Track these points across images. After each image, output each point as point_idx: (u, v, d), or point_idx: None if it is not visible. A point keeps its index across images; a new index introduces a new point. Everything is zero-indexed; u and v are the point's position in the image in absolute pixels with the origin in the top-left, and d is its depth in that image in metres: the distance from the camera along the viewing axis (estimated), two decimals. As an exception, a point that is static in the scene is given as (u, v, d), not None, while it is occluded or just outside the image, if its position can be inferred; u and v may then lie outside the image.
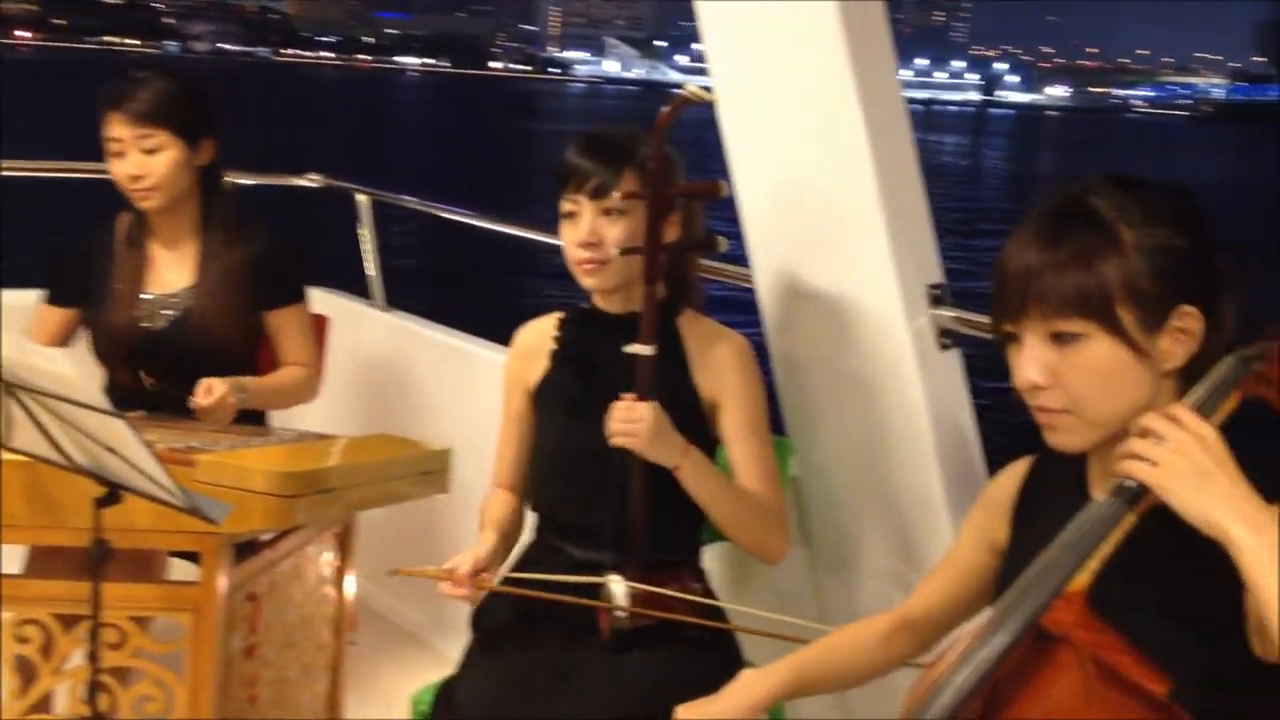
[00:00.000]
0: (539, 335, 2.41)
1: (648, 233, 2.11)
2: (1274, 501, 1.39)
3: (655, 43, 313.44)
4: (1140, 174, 1.53)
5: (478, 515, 2.40)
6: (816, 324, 2.48)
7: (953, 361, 2.38)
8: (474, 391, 3.48)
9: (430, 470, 2.57)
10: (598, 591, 2.14)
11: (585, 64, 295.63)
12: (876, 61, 2.34)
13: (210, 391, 2.68)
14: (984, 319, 2.14)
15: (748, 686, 1.73)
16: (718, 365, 2.26)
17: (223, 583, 2.29)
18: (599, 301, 2.32)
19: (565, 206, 2.23)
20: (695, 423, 2.21)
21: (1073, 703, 1.32)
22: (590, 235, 2.19)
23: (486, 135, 44.76)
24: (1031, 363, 1.47)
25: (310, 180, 4.48)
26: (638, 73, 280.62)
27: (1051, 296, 1.44)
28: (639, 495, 2.14)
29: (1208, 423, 1.37)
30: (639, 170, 2.17)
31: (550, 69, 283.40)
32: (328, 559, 2.69)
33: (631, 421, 2.08)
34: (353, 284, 4.19)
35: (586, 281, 2.25)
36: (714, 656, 2.21)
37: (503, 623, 2.25)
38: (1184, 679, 1.35)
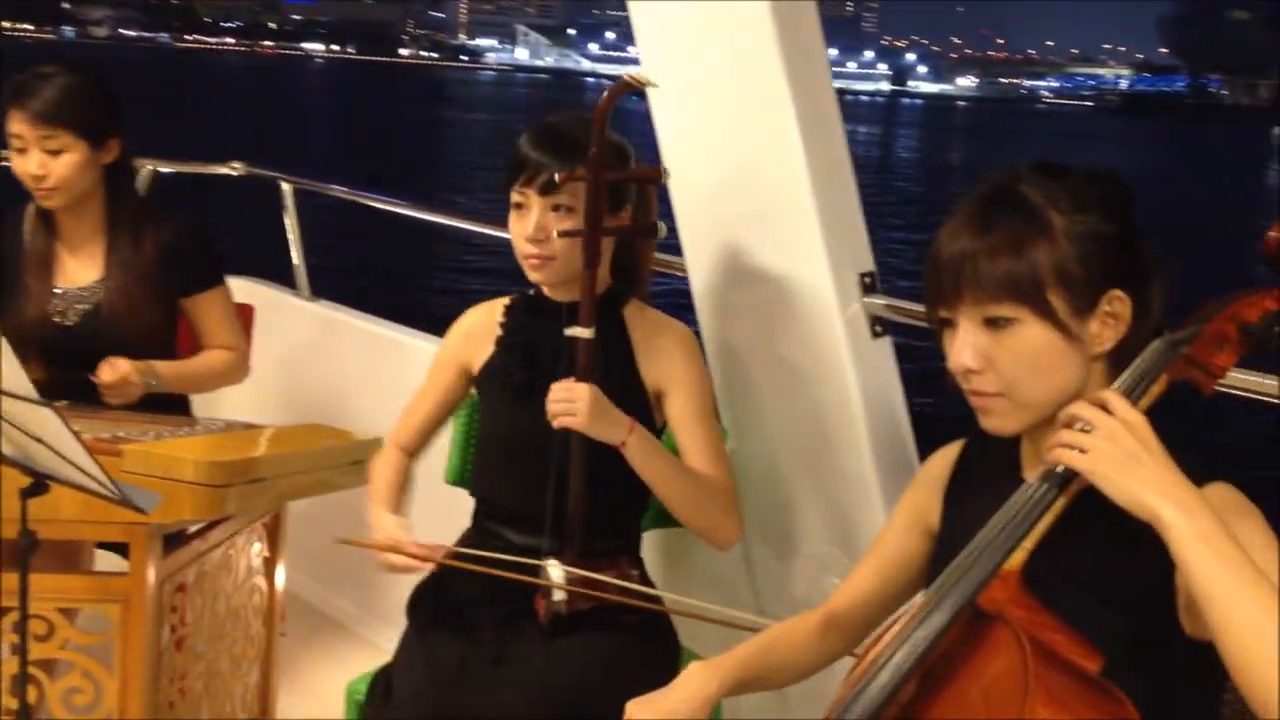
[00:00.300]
0: (485, 319, 2.40)
1: (587, 215, 2.11)
2: (1204, 484, 1.43)
3: (567, 31, 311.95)
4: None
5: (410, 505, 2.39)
6: (750, 312, 2.50)
7: (885, 349, 2.40)
8: (402, 380, 3.38)
9: (360, 460, 2.55)
10: (535, 575, 2.14)
11: (495, 52, 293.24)
12: (807, 51, 2.36)
13: (115, 368, 2.67)
14: (915, 306, 2.19)
15: (698, 680, 1.71)
16: (662, 353, 2.27)
17: (151, 574, 2.26)
18: (546, 289, 2.32)
19: (514, 198, 2.22)
20: (640, 411, 2.21)
21: (1008, 680, 1.32)
22: (538, 231, 2.18)
23: (398, 124, 44.27)
24: (966, 347, 1.50)
25: (232, 168, 4.42)
26: (549, 61, 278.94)
27: (984, 282, 1.47)
28: (579, 482, 2.15)
29: (1136, 408, 1.41)
30: (575, 177, 2.15)
31: (460, 56, 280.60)
32: (257, 549, 2.66)
33: (570, 401, 2.08)
34: (277, 274, 4.16)
35: (533, 275, 2.25)
36: (650, 643, 2.23)
37: (438, 611, 2.25)
38: (1116, 656, 1.37)
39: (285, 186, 4.18)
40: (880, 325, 2.38)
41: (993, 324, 1.49)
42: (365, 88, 79.30)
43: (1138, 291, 1.50)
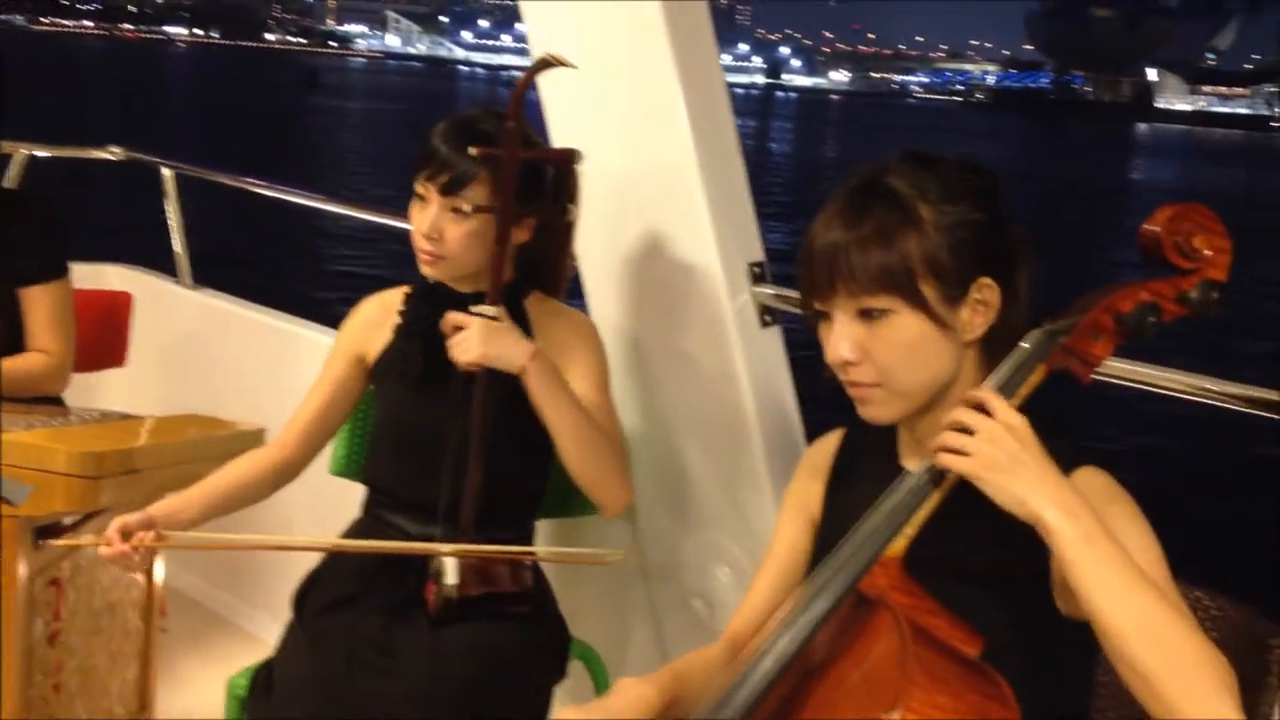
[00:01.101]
0: (383, 307, 2.37)
1: (500, 194, 2.10)
2: (1075, 468, 1.47)
3: (439, 18, 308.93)
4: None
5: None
6: (641, 303, 2.50)
7: (774, 338, 2.42)
8: (287, 369, 3.41)
9: (241, 450, 2.47)
10: (427, 560, 2.13)
11: (365, 38, 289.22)
12: (697, 43, 2.37)
13: None
14: None
15: (636, 688, 1.59)
16: (560, 339, 2.26)
17: (23, 567, 2.20)
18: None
19: (418, 189, 2.20)
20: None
21: (888, 663, 1.33)
22: (432, 230, 2.17)
23: (273, 111, 43.44)
24: (842, 340, 1.51)
25: (110, 153, 4.31)
26: (421, 49, 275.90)
27: (857, 274, 1.48)
28: (475, 470, 2.13)
29: (1013, 406, 1.43)
30: (493, 176, 2.13)
31: (329, 43, 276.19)
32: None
33: (463, 334, 2.07)
34: (151, 262, 4.08)
35: (424, 270, 2.23)
36: (540, 633, 2.22)
37: (325, 604, 2.21)
38: (995, 639, 1.39)
39: (166, 172, 4.08)
40: (769, 315, 2.40)
41: (867, 315, 1.50)
42: (234, 74, 77.42)
43: (1006, 278, 1.53)
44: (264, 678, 2.17)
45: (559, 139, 2.53)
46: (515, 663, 2.13)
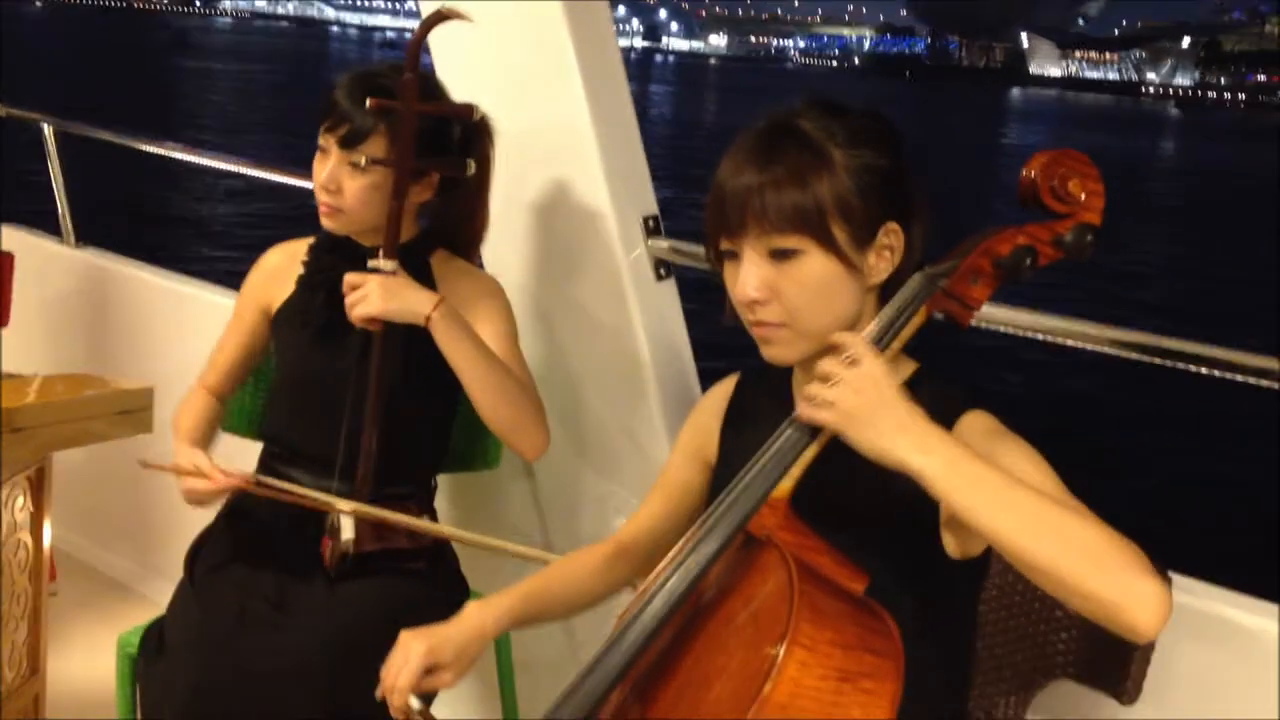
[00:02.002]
0: (286, 259, 2.34)
1: (398, 148, 2.08)
2: (964, 413, 1.50)
3: None
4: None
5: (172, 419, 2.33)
6: (536, 255, 2.49)
7: (669, 290, 2.43)
8: (177, 329, 3.34)
9: (130, 409, 2.44)
10: (324, 519, 2.11)
11: None
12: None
13: None
14: (698, 249, 2.18)
15: (473, 615, 1.67)
16: (467, 297, 2.22)
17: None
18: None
19: (320, 140, 2.17)
20: (444, 359, 2.16)
21: (775, 600, 1.33)
22: (330, 182, 2.14)
23: (145, 73, 41.93)
24: (751, 278, 1.51)
25: None
26: (289, 9, 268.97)
27: (771, 213, 1.48)
28: (373, 423, 2.11)
29: (895, 350, 1.47)
30: (392, 130, 2.10)
31: (195, 2, 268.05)
32: (21, 504, 2.52)
33: (362, 289, 2.05)
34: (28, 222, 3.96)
35: (324, 222, 2.20)
36: (437, 587, 2.21)
37: (218, 561, 2.19)
38: (881, 577, 1.41)
39: (47, 129, 3.94)
40: (664, 268, 2.40)
41: (777, 256, 1.51)
42: (100, 34, 74.35)
43: (908, 226, 1.55)
44: (155, 636, 2.14)
45: (450, 91, 2.50)
46: (413, 617, 2.07)
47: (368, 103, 2.07)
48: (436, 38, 2.46)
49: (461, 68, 2.49)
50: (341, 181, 2.14)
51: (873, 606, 1.36)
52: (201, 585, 2.17)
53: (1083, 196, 1.48)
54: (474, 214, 2.30)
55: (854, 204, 1.50)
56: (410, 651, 1.61)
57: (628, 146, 2.40)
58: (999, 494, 1.31)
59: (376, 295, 2.05)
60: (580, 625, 1.94)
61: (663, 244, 2.38)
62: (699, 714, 1.35)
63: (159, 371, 2.86)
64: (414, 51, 2.07)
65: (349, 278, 2.08)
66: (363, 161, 2.11)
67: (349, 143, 2.12)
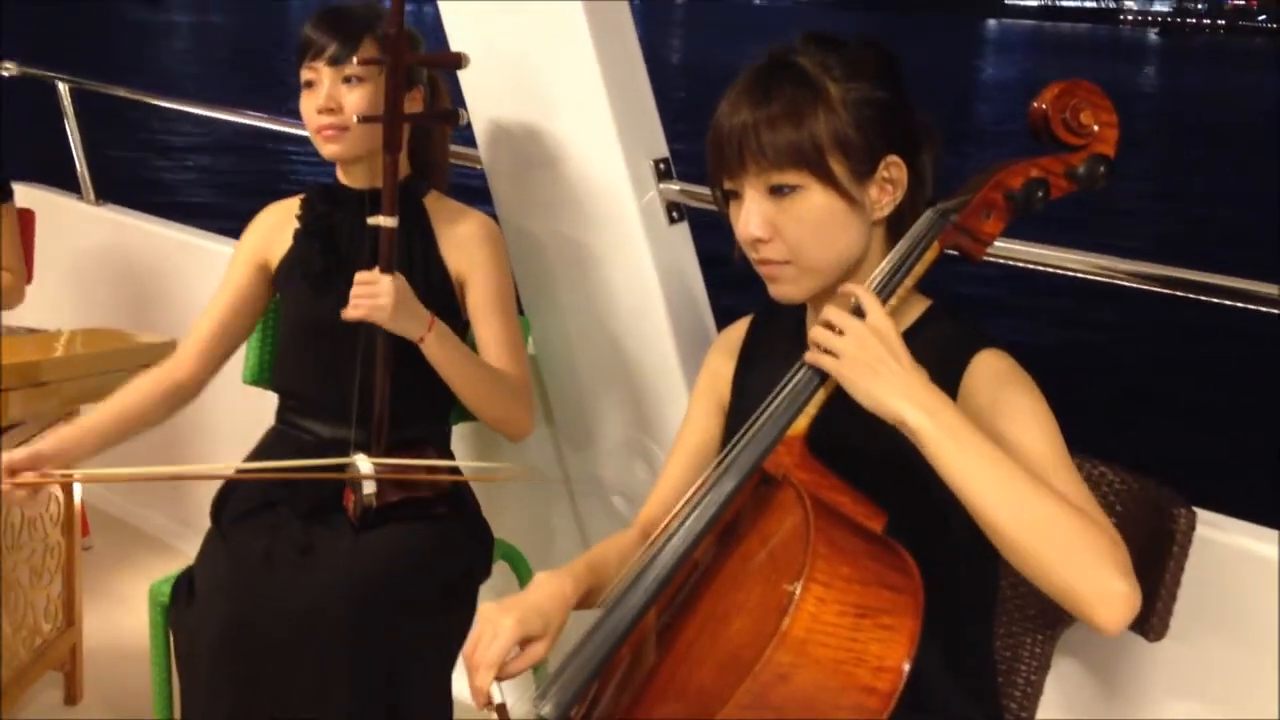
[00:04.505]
0: (282, 213, 2.31)
1: (387, 100, 2.05)
2: (977, 351, 1.47)
3: None
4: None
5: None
6: (547, 203, 2.46)
7: (682, 233, 2.39)
8: (196, 283, 3.27)
9: (152, 362, 2.40)
10: (343, 471, 2.09)
11: None
12: None
13: None
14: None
15: (548, 581, 1.54)
16: (464, 242, 2.22)
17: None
18: (342, 177, 2.25)
19: (305, 75, 2.15)
20: (444, 300, 2.18)
21: (793, 538, 1.32)
22: (329, 101, 2.12)
23: (114, 27, 41.28)
24: (753, 216, 1.49)
25: (4, 69, 4.11)
26: None
27: (768, 151, 1.46)
28: (384, 371, 2.10)
29: (908, 288, 1.44)
30: (377, 40, 2.11)
31: None
32: None
33: (373, 295, 2.02)
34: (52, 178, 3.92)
35: (327, 149, 2.17)
36: (461, 531, 2.20)
37: (244, 510, 2.18)
38: (898, 515, 1.39)
39: (62, 87, 3.89)
40: (676, 211, 2.37)
41: (777, 192, 1.49)
42: None
43: (912, 159, 1.52)
44: (185, 584, 2.14)
45: (455, 42, 2.45)
46: (438, 558, 2.11)
47: (355, 58, 2.07)
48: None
49: (468, 18, 2.44)
50: (341, 99, 2.12)
51: (891, 544, 1.34)
52: (229, 532, 2.17)
53: (1095, 128, 1.45)
54: (445, 149, 2.32)
55: (852, 138, 1.48)
56: (499, 625, 1.44)
57: (636, 89, 2.35)
58: (986, 468, 1.31)
59: (387, 309, 2.02)
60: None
61: (674, 187, 2.35)
62: (719, 649, 1.35)
63: (180, 324, 2.84)
64: (399, 2, 2.03)
65: (363, 278, 2.04)
66: (356, 68, 2.11)
67: (339, 59, 2.11)
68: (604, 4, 2.29)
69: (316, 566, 2.05)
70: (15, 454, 2.00)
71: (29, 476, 2.00)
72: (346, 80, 2.12)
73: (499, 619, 1.45)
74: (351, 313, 2.04)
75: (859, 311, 1.39)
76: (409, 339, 2.07)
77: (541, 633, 1.48)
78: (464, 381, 2.14)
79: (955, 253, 1.49)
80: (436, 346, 2.09)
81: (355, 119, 2.09)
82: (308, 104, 2.16)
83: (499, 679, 1.43)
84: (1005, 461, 1.31)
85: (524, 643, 1.47)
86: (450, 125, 2.20)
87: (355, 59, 2.11)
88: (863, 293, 1.40)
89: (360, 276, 2.05)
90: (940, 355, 1.47)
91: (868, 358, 1.35)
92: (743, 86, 1.51)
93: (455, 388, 2.15)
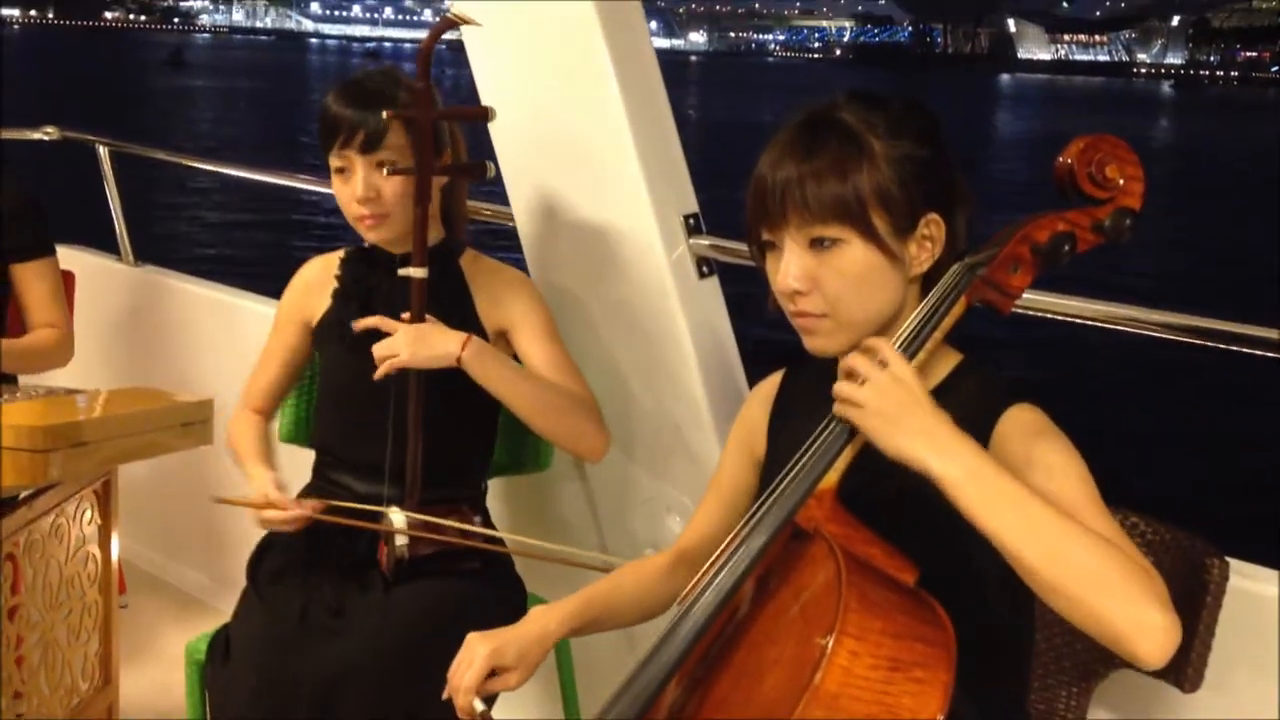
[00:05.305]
0: (321, 272, 2.33)
1: (417, 154, 2.06)
2: (1008, 406, 1.47)
3: None
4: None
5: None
6: (578, 258, 2.47)
7: (712, 288, 2.40)
8: (234, 342, 3.35)
9: (191, 421, 2.41)
10: (378, 522, 2.10)
11: (209, 13, 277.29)
12: None
13: None
14: (740, 246, 2.16)
15: (536, 619, 1.68)
16: (501, 296, 2.23)
17: (-22, 543, 2.16)
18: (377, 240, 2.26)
19: (334, 162, 2.14)
20: None
21: (825, 593, 1.32)
22: (367, 190, 2.11)
23: (147, 93, 41.48)
24: (793, 267, 1.50)
25: (45, 133, 4.17)
26: (268, 22, 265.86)
27: (811, 203, 1.47)
28: (416, 430, 2.10)
29: (937, 340, 1.44)
30: (404, 122, 2.08)
31: (173, 19, 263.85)
32: (89, 517, 2.53)
33: (390, 351, 2.03)
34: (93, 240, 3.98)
35: (369, 236, 2.19)
36: (494, 588, 2.19)
37: (278, 567, 2.19)
38: (930, 568, 1.39)
39: (103, 150, 3.96)
40: (706, 265, 2.38)
41: (818, 245, 1.49)
42: (86, 55, 71.61)
43: (950, 216, 1.53)
44: (221, 643, 2.15)
45: (488, 98, 2.48)
46: (469, 617, 2.06)
47: (384, 114, 2.05)
48: (472, 44, 2.46)
49: (498, 73, 2.48)
50: (379, 187, 2.12)
51: (923, 597, 1.34)
52: (264, 591, 2.18)
53: (1121, 181, 1.45)
54: (463, 202, 2.33)
55: (894, 194, 1.48)
56: (475, 653, 1.61)
57: (665, 146, 2.37)
58: (1014, 508, 1.30)
59: (405, 348, 2.03)
60: (641, 626, 1.92)
61: (704, 242, 2.36)
62: (752, 705, 1.34)
63: (219, 384, 2.86)
64: (425, 58, 2.05)
65: (376, 347, 2.06)
66: (388, 153, 2.10)
67: (369, 146, 2.11)
68: (633, 59, 2.32)
69: (348, 629, 2.05)
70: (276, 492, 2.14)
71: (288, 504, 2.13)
72: (380, 165, 2.12)
73: (475, 648, 1.62)
74: (378, 375, 2.06)
75: (880, 364, 1.39)
76: (449, 367, 2.05)
77: (514, 664, 1.63)
78: (516, 393, 2.10)
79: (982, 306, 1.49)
80: (477, 363, 2.06)
81: (385, 172, 2.10)
82: (343, 191, 2.15)
83: (480, 696, 1.60)
84: (1034, 501, 1.30)
85: (497, 671, 1.62)
86: (478, 178, 2.21)
87: (389, 154, 2.10)
88: (881, 345, 1.40)
89: (376, 346, 2.06)
90: (971, 411, 1.46)
91: (889, 406, 1.35)
92: (786, 141, 1.51)
93: (513, 406, 2.10)
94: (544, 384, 2.14)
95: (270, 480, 2.16)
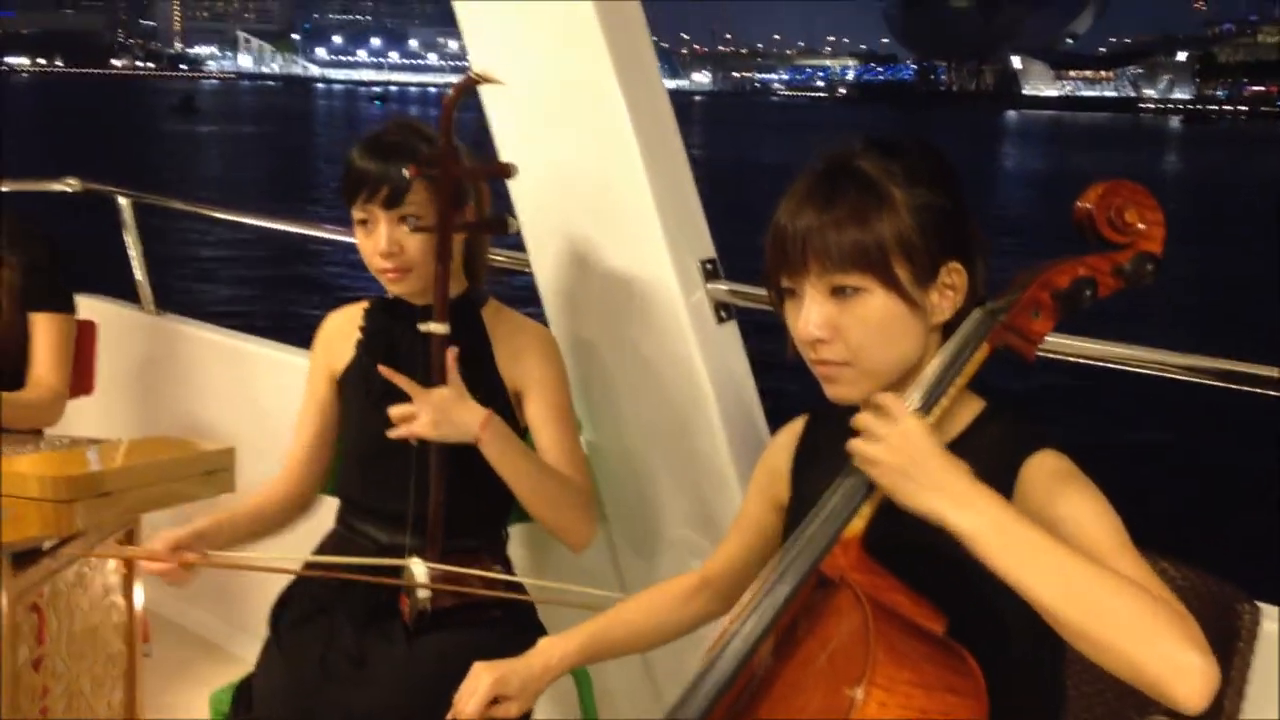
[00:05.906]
0: (345, 323, 2.34)
1: (439, 210, 2.07)
2: (1034, 451, 1.45)
3: (291, 35, 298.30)
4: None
5: None
6: (597, 306, 2.47)
7: (730, 333, 2.39)
8: (254, 391, 3.35)
9: (213, 470, 2.44)
10: (399, 574, 2.10)
11: (216, 59, 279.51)
12: (634, 44, 2.35)
13: None
14: (758, 290, 2.16)
15: (541, 650, 1.75)
16: (521, 354, 2.23)
17: (4, 594, 2.14)
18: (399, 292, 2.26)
19: (358, 215, 2.15)
20: (500, 412, 2.16)
21: (852, 642, 1.30)
22: (390, 245, 2.12)
23: (159, 141, 41.82)
24: (814, 315, 1.48)
25: (67, 185, 4.20)
26: (275, 67, 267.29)
27: (833, 251, 1.45)
28: (437, 480, 2.10)
29: (959, 387, 1.43)
30: (427, 178, 2.09)
31: (180, 66, 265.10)
32: (113, 566, 2.54)
33: (410, 419, 2.03)
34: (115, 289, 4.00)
35: (393, 289, 2.19)
36: (515, 637, 2.11)
37: (300, 616, 2.18)
38: (959, 617, 1.37)
39: (123, 201, 3.99)
40: (724, 310, 2.37)
41: (839, 293, 1.47)
42: (96, 103, 72.31)
43: (970, 264, 1.51)
44: (245, 693, 2.15)
45: (505, 151, 2.49)
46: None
47: (406, 171, 2.06)
48: (488, 96, 2.47)
49: (513, 122, 2.49)
50: (402, 241, 2.13)
51: (953, 647, 1.32)
52: (285, 641, 2.18)
53: (1141, 226, 1.44)
54: (485, 253, 2.34)
55: (915, 242, 1.47)
56: (480, 681, 1.69)
57: (682, 192, 2.38)
58: (1038, 556, 1.28)
59: (426, 417, 2.03)
60: (658, 653, 1.93)
61: (722, 287, 2.36)
62: (781, 757, 1.32)
63: (241, 432, 2.87)
64: (448, 116, 2.06)
65: (395, 410, 2.06)
66: (412, 208, 2.11)
67: (393, 202, 2.11)
68: (648, 105, 2.32)
69: (370, 678, 2.05)
70: (177, 532, 2.08)
71: (191, 556, 2.07)
72: (403, 219, 2.13)
73: (481, 676, 1.70)
74: (393, 435, 2.06)
75: (891, 420, 1.37)
76: (464, 442, 2.07)
77: (517, 694, 1.71)
78: (524, 483, 2.12)
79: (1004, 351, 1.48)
80: (494, 446, 2.07)
81: (409, 230, 2.11)
82: (366, 244, 2.16)
83: None
84: (1058, 548, 1.28)
85: (499, 699, 1.70)
86: (500, 233, 2.22)
87: (412, 208, 2.11)
88: (891, 401, 1.38)
89: (394, 411, 2.05)
90: (994, 458, 1.45)
91: (901, 462, 1.34)
92: (805, 190, 1.50)
93: (516, 489, 2.13)
94: (548, 474, 2.16)
95: (169, 534, 2.10)
